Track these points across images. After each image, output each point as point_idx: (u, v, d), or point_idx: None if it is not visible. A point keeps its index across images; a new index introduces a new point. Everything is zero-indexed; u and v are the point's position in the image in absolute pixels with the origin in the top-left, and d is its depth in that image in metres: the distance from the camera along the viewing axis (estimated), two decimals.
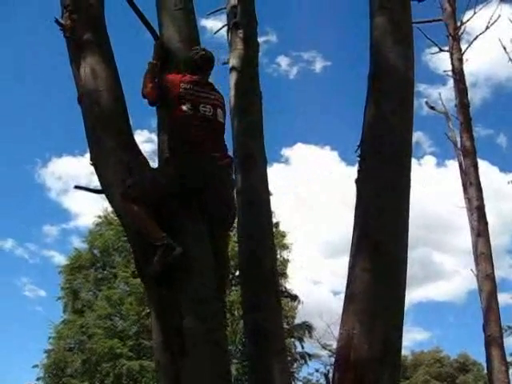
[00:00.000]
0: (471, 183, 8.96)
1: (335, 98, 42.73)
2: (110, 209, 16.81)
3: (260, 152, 4.43)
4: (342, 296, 2.96)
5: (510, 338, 16.59)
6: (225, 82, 4.68)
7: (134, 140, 3.37)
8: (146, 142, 21.60)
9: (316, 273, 40.64)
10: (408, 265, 3.02)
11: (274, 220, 15.81)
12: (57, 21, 3.50)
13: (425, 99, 10.81)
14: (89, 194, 3.61)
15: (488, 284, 8.36)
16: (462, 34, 10.05)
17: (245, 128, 4.46)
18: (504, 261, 33.54)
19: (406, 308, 3.00)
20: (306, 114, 40.94)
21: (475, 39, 10.07)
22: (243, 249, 4.22)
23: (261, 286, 4.02)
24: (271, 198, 4.48)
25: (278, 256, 18.77)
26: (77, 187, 3.78)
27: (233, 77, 4.66)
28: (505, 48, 9.86)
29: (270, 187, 4.46)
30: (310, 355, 21.09)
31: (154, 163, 3.39)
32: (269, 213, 4.40)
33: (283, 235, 20.42)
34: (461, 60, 9.73)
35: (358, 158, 3.19)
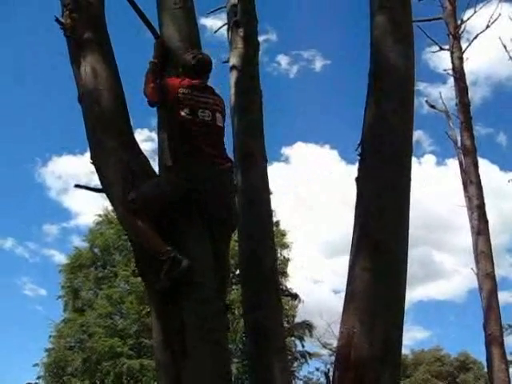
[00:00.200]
0: (471, 182, 8.96)
1: (335, 97, 42.76)
2: (110, 207, 16.81)
3: (260, 151, 4.43)
4: (343, 295, 2.97)
5: (511, 337, 16.61)
6: (225, 81, 4.69)
7: (134, 139, 3.37)
8: (146, 140, 21.56)
9: (316, 272, 40.64)
10: (408, 264, 3.03)
11: (274, 219, 15.84)
12: (57, 20, 3.49)
13: (425, 98, 10.79)
14: (89, 193, 3.61)
15: (488, 283, 8.37)
16: (462, 32, 10.04)
17: (245, 127, 4.46)
18: (504, 259, 33.55)
19: (406, 307, 3.01)
20: (305, 112, 40.99)
21: (475, 38, 10.07)
22: (243, 248, 4.22)
23: (261, 285, 4.03)
24: (271, 197, 4.48)
25: (279, 255, 18.78)
26: (77, 186, 3.77)
27: (233, 75, 4.66)
28: (505, 47, 9.86)
29: (270, 186, 4.46)
30: (310, 354, 21.14)
31: (154, 162, 3.39)
32: (269, 212, 4.40)
33: (283, 234, 20.43)
34: (461, 59, 9.72)
35: (359, 157, 3.19)
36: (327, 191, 38.36)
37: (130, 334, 18.26)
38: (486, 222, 8.74)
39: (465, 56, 9.79)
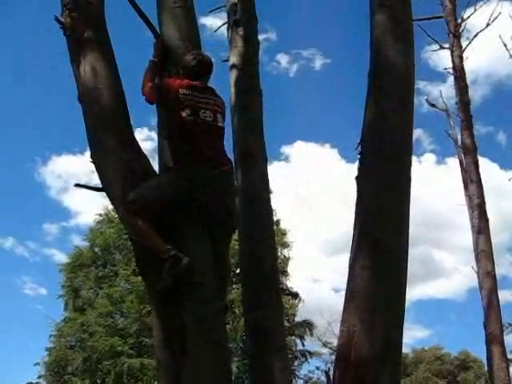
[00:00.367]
0: (472, 180, 8.96)
1: (335, 96, 42.83)
2: (110, 207, 16.78)
3: (260, 150, 4.43)
4: (343, 293, 2.97)
5: (511, 336, 16.59)
6: (225, 80, 4.69)
7: (134, 138, 3.36)
8: (146, 139, 21.59)
9: (317, 271, 40.73)
10: (408, 262, 3.03)
11: (275, 218, 15.82)
12: (57, 19, 3.49)
13: (425, 96, 10.81)
14: (89, 192, 3.62)
15: (488, 281, 8.37)
16: (462, 31, 10.05)
17: (245, 126, 4.46)
18: (504, 258, 33.59)
19: (406, 305, 3.00)
20: (305, 111, 41.02)
21: (475, 36, 10.07)
22: (244, 247, 4.22)
23: (261, 284, 4.02)
24: (271, 196, 4.48)
25: (279, 254, 18.77)
26: (77, 185, 3.77)
27: (233, 74, 4.65)
28: (505, 45, 9.84)
29: (270, 185, 4.46)
30: (310, 353, 21.13)
31: (154, 161, 3.39)
32: (269, 211, 4.40)
33: (284, 233, 20.43)
34: (461, 57, 9.72)
35: (359, 156, 3.19)
36: (327, 190, 38.44)
37: (130, 333, 18.25)
38: (487, 220, 8.74)
39: (465, 54, 9.80)
